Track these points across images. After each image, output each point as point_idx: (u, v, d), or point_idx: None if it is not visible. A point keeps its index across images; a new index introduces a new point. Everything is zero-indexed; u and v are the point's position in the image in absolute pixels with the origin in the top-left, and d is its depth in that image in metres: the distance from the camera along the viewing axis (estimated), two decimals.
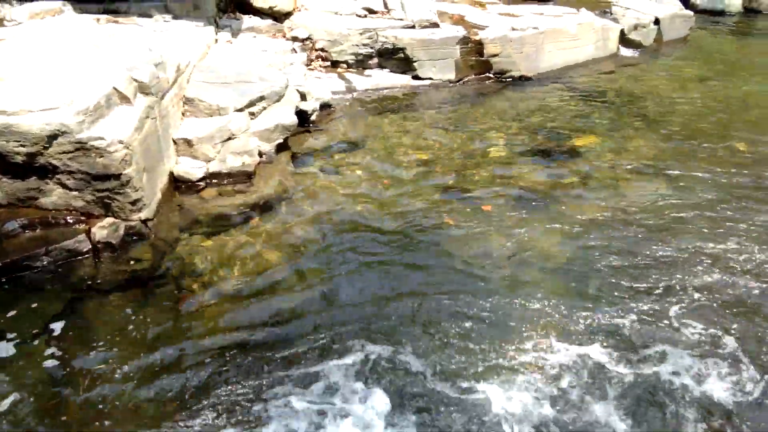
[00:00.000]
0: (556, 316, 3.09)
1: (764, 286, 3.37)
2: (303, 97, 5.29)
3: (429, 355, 2.80)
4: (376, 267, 3.43)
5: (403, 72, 6.68)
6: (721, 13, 12.17)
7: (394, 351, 2.81)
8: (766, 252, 3.69)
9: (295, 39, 6.45)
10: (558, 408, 2.55)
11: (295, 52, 6.25)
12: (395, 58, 6.65)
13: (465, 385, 2.64)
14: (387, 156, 4.83)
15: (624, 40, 8.59)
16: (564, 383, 2.67)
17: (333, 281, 3.29)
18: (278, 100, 4.92)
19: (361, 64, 6.66)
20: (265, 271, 3.35)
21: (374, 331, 2.93)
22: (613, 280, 3.39)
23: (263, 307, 3.08)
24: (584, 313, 3.11)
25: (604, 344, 2.90)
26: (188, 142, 4.21)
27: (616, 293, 3.28)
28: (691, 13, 9.88)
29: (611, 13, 8.75)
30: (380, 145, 5.03)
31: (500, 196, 4.27)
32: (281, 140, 4.78)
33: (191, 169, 4.16)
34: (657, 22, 8.97)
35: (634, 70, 7.78)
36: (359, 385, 2.61)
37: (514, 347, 2.87)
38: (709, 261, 3.59)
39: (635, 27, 8.64)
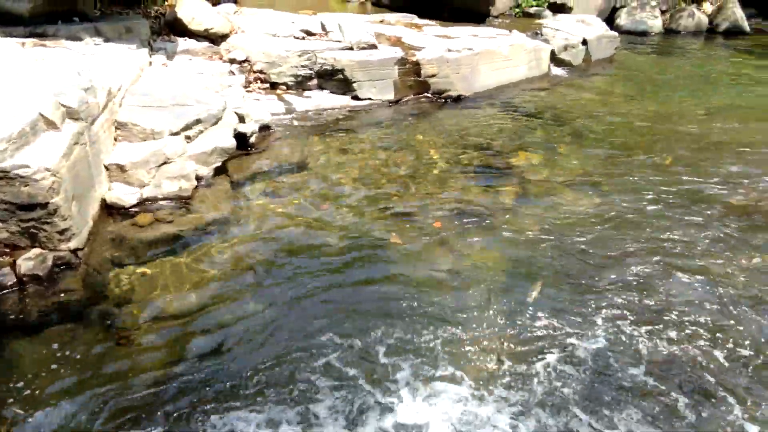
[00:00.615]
0: (504, 325, 3.13)
1: (699, 286, 3.54)
2: (241, 119, 5.23)
3: (377, 381, 2.78)
4: (321, 290, 3.39)
5: (343, 93, 6.73)
6: (644, 33, 12.90)
7: (342, 380, 2.78)
8: (699, 255, 3.88)
9: (232, 61, 6.40)
10: (509, 416, 2.58)
11: (233, 74, 6.20)
12: (334, 79, 6.69)
13: (415, 407, 2.64)
14: (328, 177, 4.83)
15: (555, 60, 8.96)
16: (513, 394, 2.71)
17: (277, 307, 3.23)
18: (216, 123, 4.85)
19: (300, 85, 6.67)
20: (204, 299, 3.26)
21: (319, 360, 2.89)
22: (556, 290, 3.48)
23: (202, 338, 2.98)
24: (531, 323, 3.17)
25: (548, 354, 2.96)
26: (121, 168, 4.08)
27: (559, 302, 3.37)
28: (616, 33, 10.42)
29: (542, 35, 9.11)
30: (321, 166, 5.02)
31: (443, 214, 4.33)
32: (219, 163, 4.71)
33: (125, 195, 4.04)
34: (585, 42, 9.41)
35: (565, 89, 8.11)
36: (305, 420, 2.57)
37: (464, 361, 2.89)
38: (645, 266, 3.74)
39: (565, 48, 9.03)
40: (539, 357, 2.96)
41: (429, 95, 7.18)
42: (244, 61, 6.43)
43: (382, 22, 8.57)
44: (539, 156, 5.56)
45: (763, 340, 3.15)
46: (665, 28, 13.42)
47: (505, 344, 3.04)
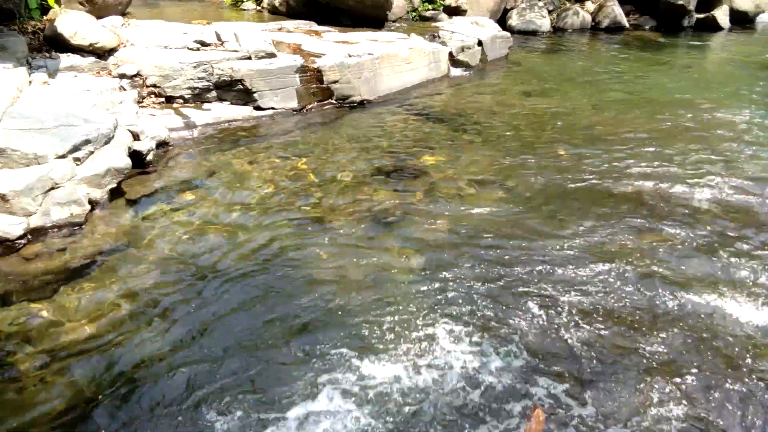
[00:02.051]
0: (421, 329, 3.14)
1: (597, 265, 3.71)
2: (136, 136, 4.97)
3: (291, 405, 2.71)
4: (229, 314, 3.25)
5: (245, 103, 6.57)
6: (534, 32, 13.53)
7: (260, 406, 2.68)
8: (595, 239, 4.07)
9: (122, 76, 6.07)
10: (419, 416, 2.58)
11: (124, 89, 5.89)
12: (234, 89, 6.51)
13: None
14: (234, 191, 4.67)
15: (453, 61, 9.19)
16: (427, 395, 2.71)
17: (184, 336, 3.05)
18: (107, 142, 4.57)
19: (198, 97, 6.44)
20: (103, 333, 3.04)
21: (224, 395, 2.78)
22: (468, 288, 3.53)
23: (103, 376, 2.78)
24: (444, 325, 3.20)
25: (461, 351, 3.00)
26: (2, 197, 3.75)
27: (471, 301, 3.42)
28: (509, 34, 10.85)
29: (439, 37, 9.32)
30: (226, 180, 4.86)
31: (354, 220, 4.30)
32: (115, 185, 4.44)
33: (8, 226, 3.71)
34: (480, 43, 9.72)
35: (464, 89, 8.34)
36: None
37: (380, 362, 2.87)
38: (549, 251, 3.89)
39: (462, 49, 9.28)
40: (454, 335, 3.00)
41: (333, 101, 7.15)
42: (135, 76, 6.12)
43: (280, 29, 8.45)
44: (445, 155, 5.66)
45: (655, 311, 3.35)
46: (553, 27, 14.14)
47: (425, 330, 3.06)
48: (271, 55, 6.75)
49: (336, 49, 7.39)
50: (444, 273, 3.68)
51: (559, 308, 3.37)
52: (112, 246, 3.81)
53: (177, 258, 3.72)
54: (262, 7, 11.40)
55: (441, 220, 4.34)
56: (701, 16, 15.05)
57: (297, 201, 4.57)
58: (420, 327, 3.18)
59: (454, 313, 3.30)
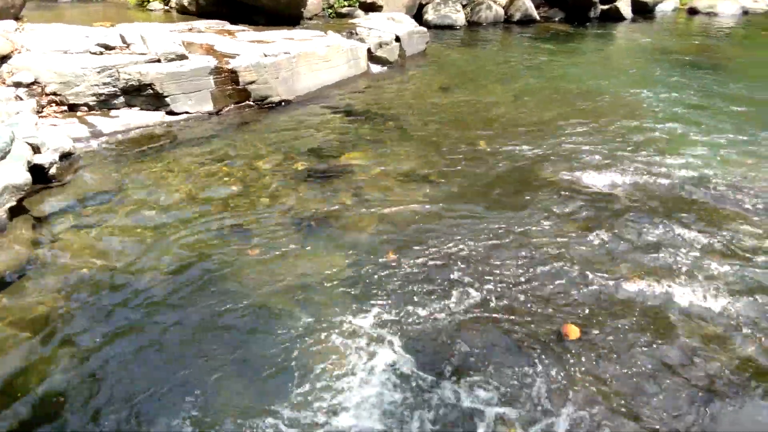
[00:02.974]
0: (351, 329, 3.07)
1: (522, 253, 3.77)
2: (36, 149, 4.61)
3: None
4: (144, 331, 3.06)
5: (156, 108, 6.25)
6: (450, 27, 13.73)
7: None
8: (520, 226, 4.13)
9: (18, 84, 5.63)
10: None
11: (20, 99, 5.47)
12: (144, 94, 6.19)
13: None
14: (149, 202, 4.42)
15: (372, 57, 9.15)
16: (361, 392, 2.65)
17: (95, 364, 2.84)
18: (3, 158, 4.21)
19: (105, 104, 6.07)
20: (6, 366, 2.79)
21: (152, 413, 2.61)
22: (400, 286, 3.49)
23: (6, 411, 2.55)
24: (376, 323, 3.14)
25: (393, 350, 2.96)
26: None
27: (404, 299, 3.38)
28: (425, 29, 10.93)
29: (357, 34, 9.25)
30: (139, 191, 4.59)
31: (279, 225, 4.17)
32: (14, 203, 4.09)
33: None
34: (398, 39, 9.73)
35: (384, 85, 8.32)
36: None
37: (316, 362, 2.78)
38: (476, 240, 3.91)
39: (380, 45, 9.26)
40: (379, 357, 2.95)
41: (251, 103, 6.94)
42: (32, 84, 5.69)
43: (190, 30, 8.12)
44: (369, 154, 5.60)
45: (576, 296, 3.44)
46: (468, 21, 14.39)
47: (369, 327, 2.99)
48: (182, 57, 6.46)
49: (251, 49, 7.17)
50: (374, 272, 3.62)
51: (485, 297, 3.39)
52: (11, 270, 3.50)
53: (86, 278, 3.47)
54: (171, 7, 10.92)
55: (369, 219, 4.28)
56: (605, 7, 15.74)
57: (216, 209, 4.38)
58: (345, 331, 3.10)
59: (384, 311, 3.25)
